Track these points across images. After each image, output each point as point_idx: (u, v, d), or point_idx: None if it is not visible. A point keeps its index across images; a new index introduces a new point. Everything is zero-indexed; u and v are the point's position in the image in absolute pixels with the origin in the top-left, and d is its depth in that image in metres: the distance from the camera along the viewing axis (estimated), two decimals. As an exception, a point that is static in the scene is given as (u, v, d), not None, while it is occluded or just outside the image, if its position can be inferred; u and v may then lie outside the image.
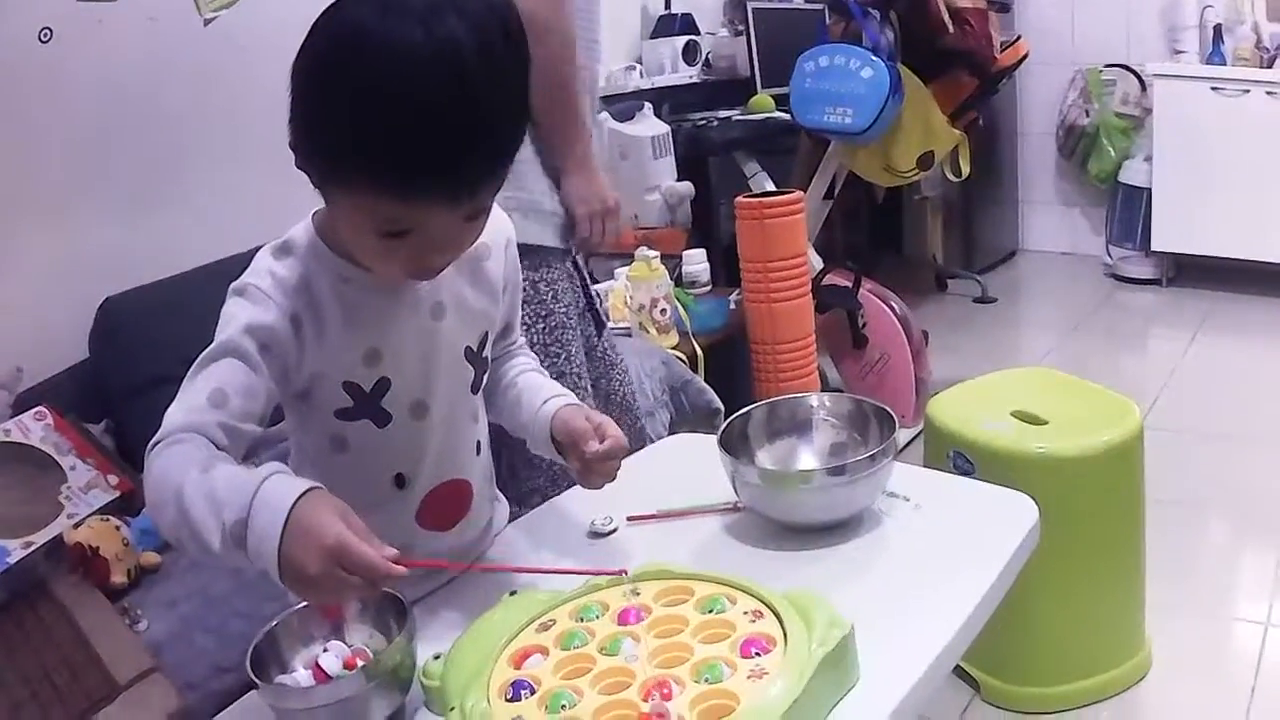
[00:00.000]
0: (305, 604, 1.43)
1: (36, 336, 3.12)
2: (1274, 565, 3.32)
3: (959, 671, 2.84)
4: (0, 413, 2.88)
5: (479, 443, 1.68)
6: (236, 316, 1.39)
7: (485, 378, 1.66)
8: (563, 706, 1.23)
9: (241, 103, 3.43)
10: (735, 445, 1.72)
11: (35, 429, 2.80)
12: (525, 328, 2.18)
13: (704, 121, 5.03)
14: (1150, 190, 5.97)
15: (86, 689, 2.16)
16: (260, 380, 1.38)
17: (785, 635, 1.28)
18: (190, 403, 1.34)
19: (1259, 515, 3.64)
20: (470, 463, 1.67)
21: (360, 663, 1.35)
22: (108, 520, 2.61)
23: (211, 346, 1.38)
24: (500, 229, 1.64)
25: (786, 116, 4.44)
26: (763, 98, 5.09)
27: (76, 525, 2.58)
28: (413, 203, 1.30)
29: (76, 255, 3.21)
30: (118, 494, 2.75)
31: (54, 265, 3.17)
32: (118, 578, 2.52)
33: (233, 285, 1.43)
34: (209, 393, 1.34)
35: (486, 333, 1.64)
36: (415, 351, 1.53)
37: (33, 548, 2.54)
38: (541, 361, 1.88)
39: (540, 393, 1.71)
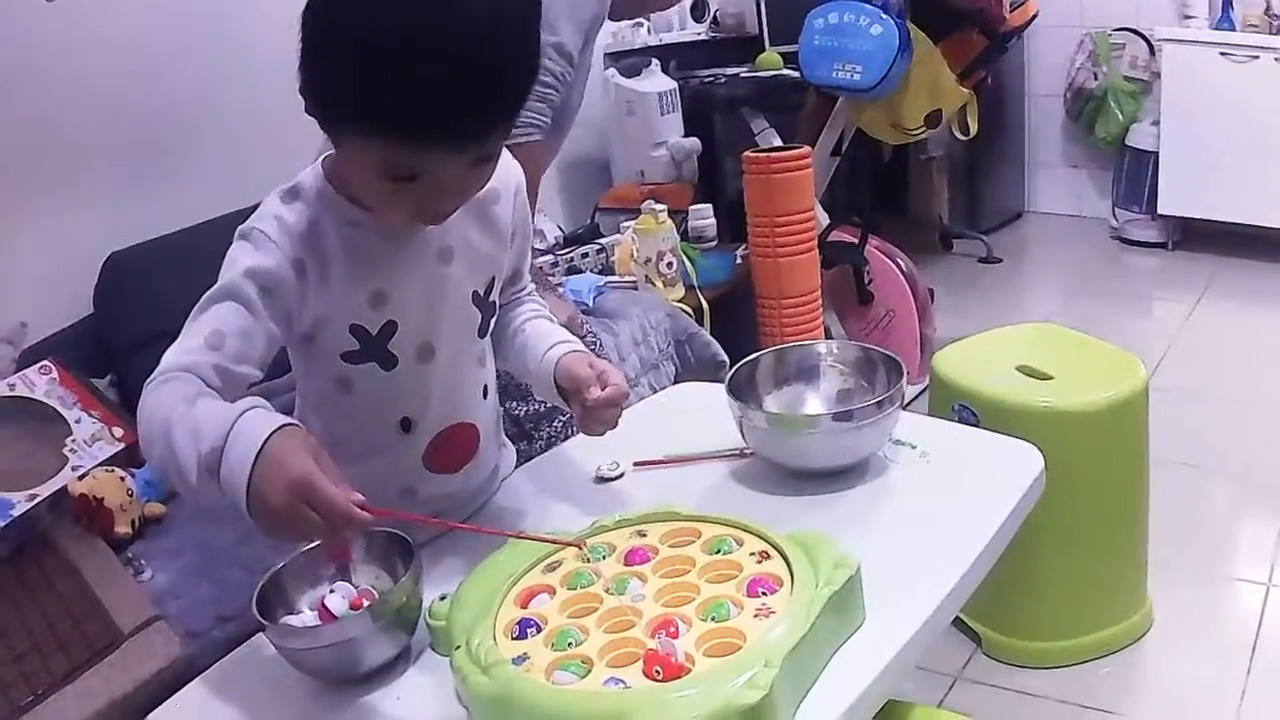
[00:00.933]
0: (312, 545, 1.44)
1: (41, 292, 3.12)
2: (1275, 527, 3.32)
3: (960, 625, 2.85)
4: (5, 367, 2.88)
5: (486, 386, 1.69)
6: (239, 260, 1.40)
7: (493, 322, 1.66)
8: (569, 644, 1.24)
9: (249, 57, 3.41)
10: (743, 391, 1.73)
11: (40, 383, 2.79)
12: None
13: (711, 78, 5.02)
14: (1157, 154, 5.92)
15: (89, 638, 2.16)
16: (259, 324, 1.38)
17: (792, 575, 1.29)
18: (187, 344, 1.35)
19: (1261, 478, 3.64)
20: (477, 406, 1.67)
21: (366, 603, 1.36)
22: (112, 471, 2.61)
23: (213, 289, 1.39)
24: (510, 173, 1.64)
25: (794, 74, 4.43)
26: (770, 55, 5.06)
27: (81, 477, 2.58)
28: (419, 149, 1.30)
29: (82, 212, 3.20)
30: (122, 446, 2.75)
31: (59, 222, 3.16)
32: (122, 528, 2.52)
33: (239, 228, 1.44)
34: (206, 335, 1.35)
35: (494, 277, 1.64)
36: (422, 295, 1.53)
37: (37, 500, 2.54)
38: None
39: (546, 339, 1.71)
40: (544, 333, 1.74)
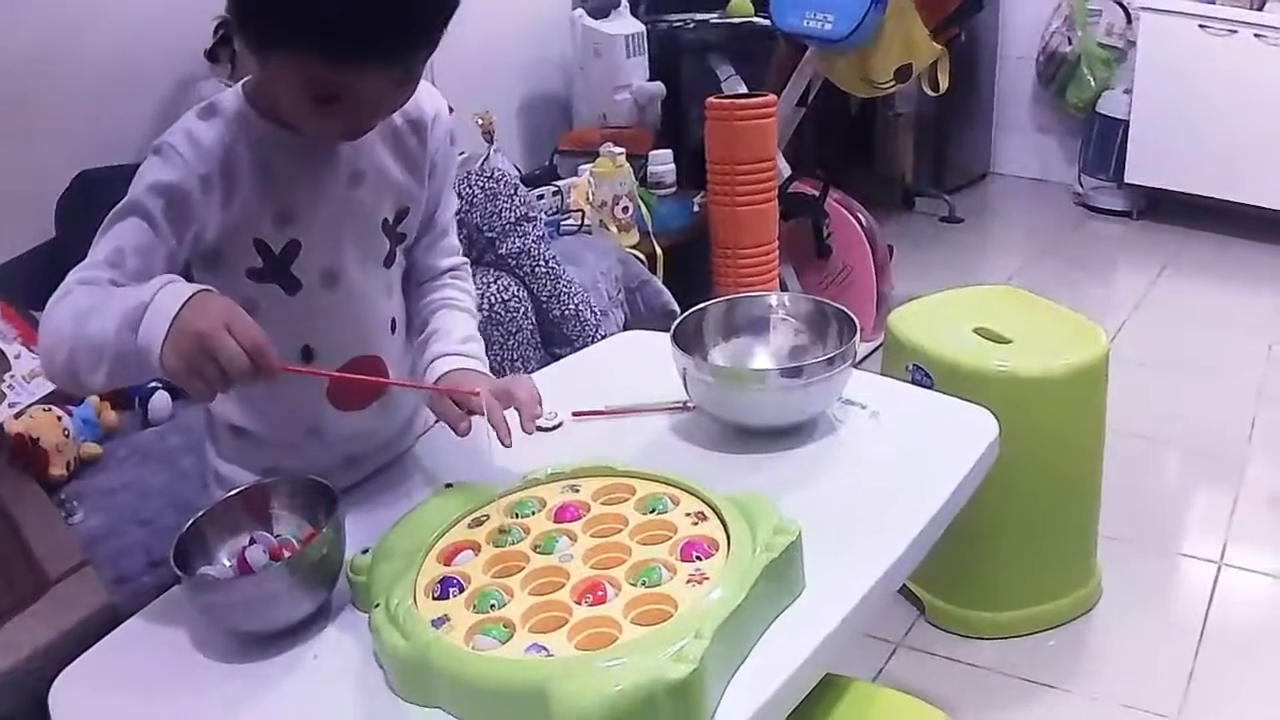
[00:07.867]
0: (232, 494, 1.43)
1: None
2: (1228, 503, 3.30)
3: (904, 591, 2.81)
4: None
5: (393, 320, 1.65)
6: (146, 175, 1.41)
7: (399, 253, 1.64)
8: (491, 606, 1.19)
9: None
10: (689, 341, 1.68)
11: (-21, 316, 2.72)
12: None
13: (680, 23, 4.93)
14: (1128, 122, 5.91)
15: (16, 586, 2.10)
16: (160, 241, 1.39)
17: (729, 539, 1.24)
18: (90, 261, 1.36)
19: (1216, 454, 3.62)
20: (384, 340, 1.64)
21: (286, 554, 1.32)
22: (50, 410, 2.54)
23: (120, 203, 1.39)
24: (431, 105, 1.63)
25: (765, 21, 4.37)
26: (742, 1, 4.99)
27: (18, 415, 2.51)
28: (346, 68, 1.32)
29: (30, 144, 3.13)
30: (61, 384, 2.68)
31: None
32: (57, 470, 2.45)
33: (153, 143, 1.43)
34: (108, 252, 1.36)
35: (408, 209, 1.62)
36: (328, 216, 1.52)
37: (-30, 437, 2.47)
38: None
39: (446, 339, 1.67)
40: (446, 330, 1.68)
